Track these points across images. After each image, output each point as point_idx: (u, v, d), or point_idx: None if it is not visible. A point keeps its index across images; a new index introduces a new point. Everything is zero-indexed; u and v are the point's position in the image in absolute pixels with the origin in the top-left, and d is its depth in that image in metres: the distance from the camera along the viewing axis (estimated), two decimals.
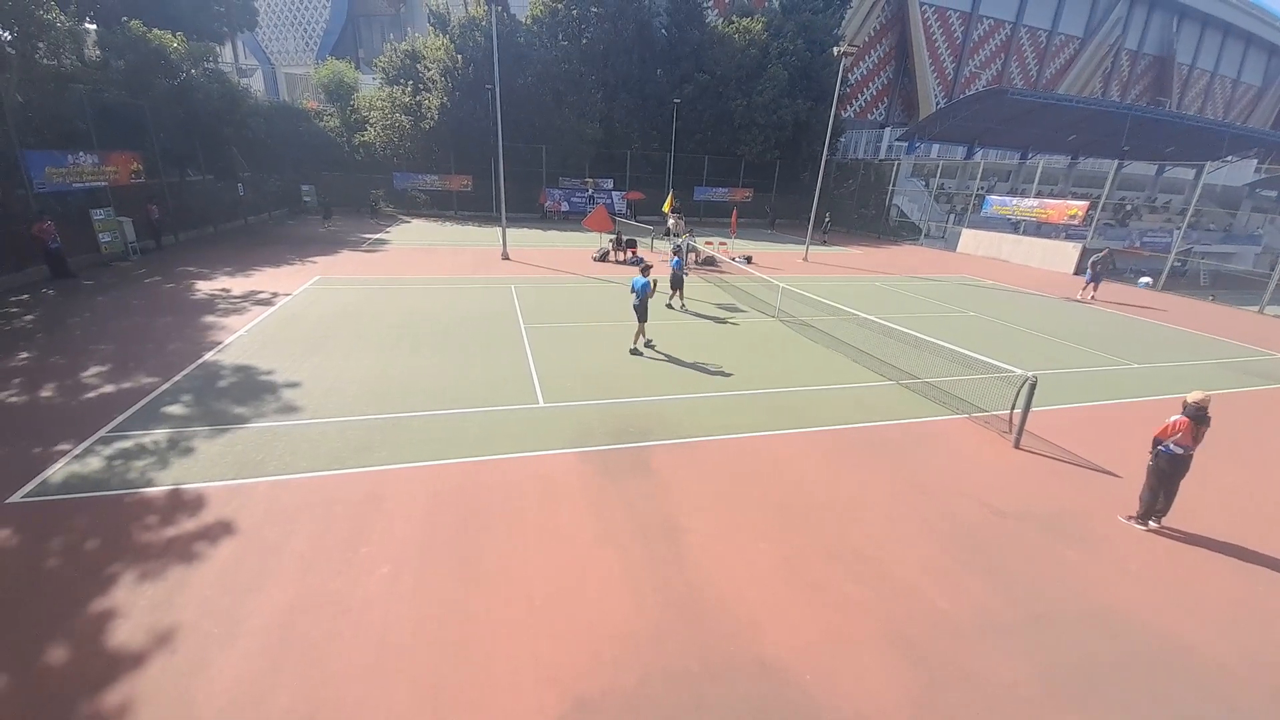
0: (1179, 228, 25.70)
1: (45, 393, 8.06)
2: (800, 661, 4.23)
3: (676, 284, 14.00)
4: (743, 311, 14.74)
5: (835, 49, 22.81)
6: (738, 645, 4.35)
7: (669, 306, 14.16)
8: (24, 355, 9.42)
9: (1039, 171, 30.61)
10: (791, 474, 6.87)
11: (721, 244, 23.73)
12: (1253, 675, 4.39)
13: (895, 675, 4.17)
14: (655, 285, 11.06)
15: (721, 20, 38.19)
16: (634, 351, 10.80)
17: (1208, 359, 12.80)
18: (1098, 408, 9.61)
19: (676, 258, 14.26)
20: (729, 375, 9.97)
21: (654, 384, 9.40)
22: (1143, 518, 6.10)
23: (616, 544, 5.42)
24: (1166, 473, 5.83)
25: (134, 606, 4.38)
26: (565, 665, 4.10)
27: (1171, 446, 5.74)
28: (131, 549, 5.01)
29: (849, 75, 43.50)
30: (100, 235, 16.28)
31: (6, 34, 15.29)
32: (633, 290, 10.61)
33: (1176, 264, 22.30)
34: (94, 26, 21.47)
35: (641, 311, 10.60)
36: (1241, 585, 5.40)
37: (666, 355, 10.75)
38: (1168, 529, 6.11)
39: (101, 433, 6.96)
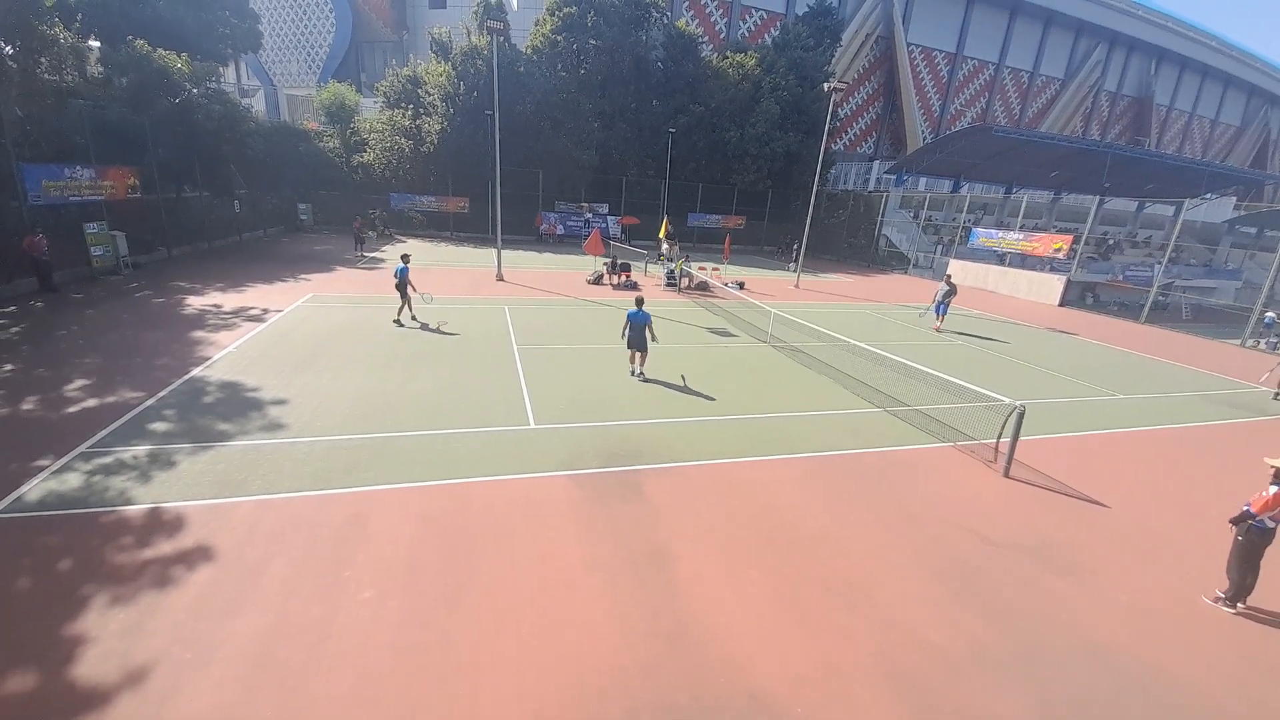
0: (1160, 262, 26.34)
1: (27, 405, 7.91)
2: (791, 695, 4.15)
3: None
4: (735, 336, 14.83)
5: (825, 85, 23.53)
6: (728, 678, 4.26)
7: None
8: (8, 367, 9.27)
9: (1023, 206, 31.37)
10: (782, 501, 6.83)
11: (715, 269, 23.99)
12: (1245, 710, 4.36)
13: (887, 709, 4.09)
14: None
15: (716, 55, 39.34)
16: (642, 377, 10.62)
17: (1190, 391, 13.00)
18: (1083, 438, 9.68)
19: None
20: (720, 400, 9.97)
21: (646, 407, 9.38)
22: (1234, 599, 5.54)
23: (606, 571, 5.34)
24: (1259, 547, 5.40)
25: (104, 631, 4.24)
26: (551, 697, 3.99)
27: (1267, 521, 5.29)
28: (105, 570, 4.86)
29: (839, 110, 44.66)
30: (92, 249, 16.20)
31: (8, 48, 15.42)
32: (629, 323, 10.46)
33: (1159, 298, 22.79)
34: (98, 44, 21.71)
35: (640, 343, 10.51)
36: (1232, 620, 5.40)
37: (658, 379, 10.76)
38: (1255, 609, 5.57)
39: (82, 448, 6.82)
